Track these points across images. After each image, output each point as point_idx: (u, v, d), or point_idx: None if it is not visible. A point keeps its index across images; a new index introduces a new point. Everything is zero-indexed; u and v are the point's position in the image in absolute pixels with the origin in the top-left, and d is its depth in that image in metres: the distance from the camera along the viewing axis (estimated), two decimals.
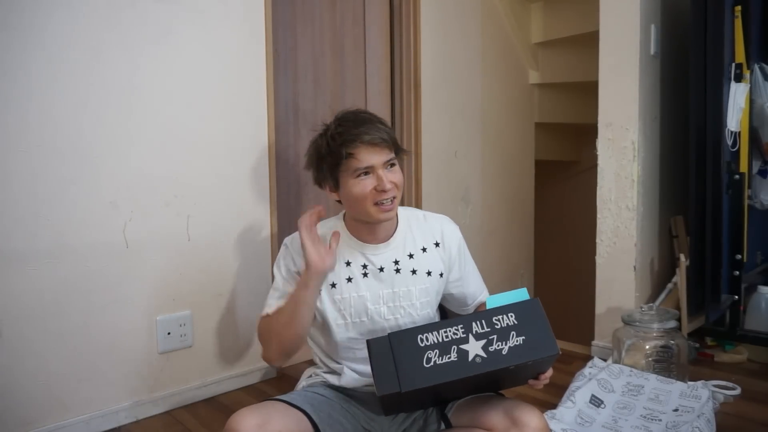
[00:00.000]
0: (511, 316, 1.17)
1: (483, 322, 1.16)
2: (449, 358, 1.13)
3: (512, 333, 1.15)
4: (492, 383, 1.26)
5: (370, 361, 1.16)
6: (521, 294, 1.22)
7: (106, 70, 1.75)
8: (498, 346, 1.14)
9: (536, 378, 1.23)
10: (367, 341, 1.19)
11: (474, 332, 1.15)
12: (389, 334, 1.18)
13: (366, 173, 1.28)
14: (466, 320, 1.17)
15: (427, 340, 1.15)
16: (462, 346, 1.14)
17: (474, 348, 1.14)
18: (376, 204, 1.29)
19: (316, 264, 1.27)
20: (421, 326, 1.19)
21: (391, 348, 1.15)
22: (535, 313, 1.18)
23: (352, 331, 1.36)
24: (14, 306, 1.63)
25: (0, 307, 1.61)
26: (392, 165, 1.31)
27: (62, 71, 1.67)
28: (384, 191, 1.28)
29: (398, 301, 1.37)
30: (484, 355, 1.13)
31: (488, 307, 1.20)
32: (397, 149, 1.33)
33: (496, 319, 1.16)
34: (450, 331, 1.16)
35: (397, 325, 1.37)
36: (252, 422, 1.12)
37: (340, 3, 2.47)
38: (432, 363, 1.13)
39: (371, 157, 1.26)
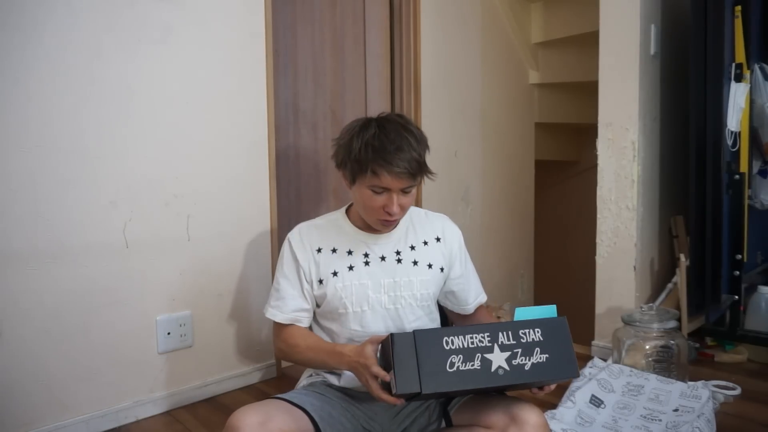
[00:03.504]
0: (538, 332, 1.15)
1: (509, 333, 1.14)
2: (472, 365, 1.11)
3: (537, 349, 1.14)
4: (500, 388, 1.25)
5: (393, 356, 1.11)
6: (550, 311, 1.20)
7: (106, 69, 1.75)
8: (522, 360, 1.12)
9: (540, 388, 1.22)
10: (392, 334, 1.14)
11: (500, 342, 1.13)
12: (414, 330, 1.14)
13: (381, 191, 1.29)
14: (493, 329, 1.15)
15: (452, 343, 1.12)
16: (486, 355, 1.12)
17: (498, 359, 1.12)
18: (380, 219, 1.32)
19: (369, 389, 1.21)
20: (447, 328, 1.17)
21: (415, 345, 1.12)
22: (561, 332, 1.17)
23: (354, 322, 1.37)
24: (14, 306, 1.63)
25: (0, 308, 1.61)
26: (409, 189, 1.31)
27: (62, 71, 1.67)
28: (390, 214, 1.30)
29: (399, 291, 1.38)
30: (507, 368, 1.12)
31: (516, 319, 1.18)
32: (424, 172, 1.33)
33: (522, 332, 1.15)
34: (476, 337, 1.13)
35: (398, 316, 1.38)
36: (253, 420, 1.12)
37: (340, 3, 2.47)
38: (455, 368, 1.11)
39: (392, 182, 1.27)
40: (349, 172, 1.32)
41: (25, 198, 1.63)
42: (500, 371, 1.11)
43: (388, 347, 1.13)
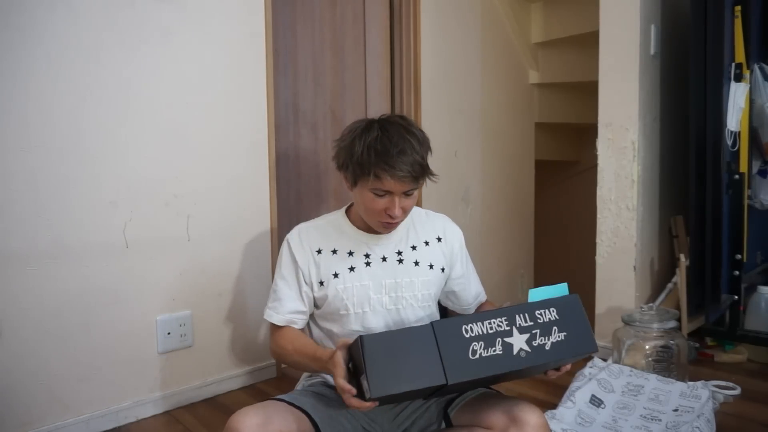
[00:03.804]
0: (553, 311, 1.16)
1: (526, 315, 1.14)
2: (494, 351, 1.11)
3: (554, 328, 1.14)
4: (522, 372, 1.24)
5: (364, 359, 1.05)
6: (561, 289, 1.21)
7: (106, 69, 1.75)
8: (541, 341, 1.13)
9: (557, 369, 1.22)
10: (361, 337, 1.07)
11: (518, 325, 1.13)
12: (432, 322, 1.12)
13: (383, 194, 1.28)
14: (509, 312, 1.15)
15: (472, 330, 1.11)
16: (506, 339, 1.12)
17: (518, 342, 1.12)
18: (382, 221, 1.32)
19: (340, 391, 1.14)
20: (465, 316, 1.15)
21: (435, 337, 1.10)
22: (575, 309, 1.18)
23: (355, 323, 1.37)
24: (14, 306, 1.63)
25: (0, 308, 1.61)
26: (411, 192, 1.30)
27: (62, 71, 1.67)
28: (392, 217, 1.29)
29: (400, 292, 1.38)
30: (528, 350, 1.12)
31: (530, 300, 1.18)
32: (427, 174, 1.32)
33: (538, 313, 1.15)
34: (494, 322, 1.13)
35: (399, 317, 1.38)
36: (253, 421, 1.12)
37: (340, 3, 2.47)
38: (478, 355, 1.10)
39: (395, 186, 1.26)
40: (351, 175, 1.31)
41: (25, 198, 1.63)
42: (522, 353, 1.11)
43: (358, 351, 1.08)
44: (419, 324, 1.38)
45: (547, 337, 1.13)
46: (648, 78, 2.33)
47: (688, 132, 2.28)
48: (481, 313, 1.16)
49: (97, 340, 1.78)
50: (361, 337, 1.08)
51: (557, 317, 1.15)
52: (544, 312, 1.15)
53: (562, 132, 3.72)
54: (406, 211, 1.32)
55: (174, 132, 1.91)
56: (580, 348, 1.15)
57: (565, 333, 1.14)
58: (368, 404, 1.09)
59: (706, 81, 2.18)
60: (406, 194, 1.29)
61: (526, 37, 3.28)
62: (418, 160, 1.27)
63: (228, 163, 2.04)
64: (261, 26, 2.10)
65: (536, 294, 1.19)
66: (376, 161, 1.24)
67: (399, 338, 1.11)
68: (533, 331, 1.13)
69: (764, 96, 2.34)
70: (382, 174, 1.25)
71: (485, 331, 1.12)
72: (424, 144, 1.31)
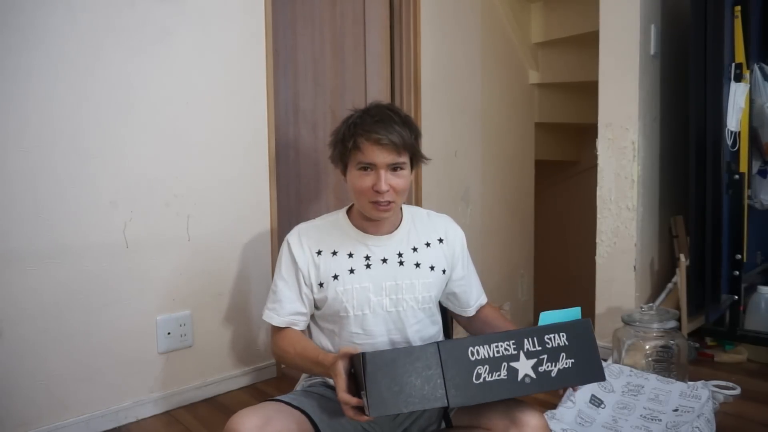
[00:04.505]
0: (563, 336, 1.13)
1: (535, 339, 1.11)
2: (499, 375, 1.08)
3: (562, 354, 1.12)
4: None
5: (365, 376, 1.04)
6: (574, 313, 1.19)
7: (106, 69, 1.75)
8: (548, 367, 1.10)
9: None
10: (363, 354, 1.05)
11: (525, 350, 1.10)
12: (438, 342, 1.09)
13: (368, 169, 1.29)
14: (518, 336, 1.12)
15: (478, 353, 1.08)
16: (512, 364, 1.09)
17: (524, 367, 1.10)
18: (372, 202, 1.31)
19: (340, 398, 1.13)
20: (471, 338, 1.13)
21: (440, 358, 1.07)
22: (586, 335, 1.15)
23: (354, 325, 1.37)
24: (14, 306, 1.63)
25: (0, 308, 1.61)
26: (398, 168, 1.30)
27: (62, 71, 1.67)
28: (379, 192, 1.29)
29: (401, 294, 1.37)
30: (534, 376, 1.09)
31: (540, 323, 1.16)
32: (414, 154, 1.34)
33: (547, 338, 1.12)
34: (502, 345, 1.10)
35: (399, 318, 1.37)
36: (252, 423, 1.11)
37: (340, 3, 2.47)
38: (482, 380, 1.07)
39: (375, 155, 1.27)
40: (339, 157, 1.35)
41: (25, 198, 1.63)
42: (527, 379, 1.09)
43: (360, 366, 1.06)
44: (418, 325, 1.39)
45: (554, 364, 1.11)
46: (648, 78, 2.34)
47: (688, 132, 2.28)
48: (488, 335, 1.13)
49: (97, 340, 1.78)
50: (363, 354, 1.06)
51: (566, 342, 1.13)
52: (554, 337, 1.13)
53: (562, 132, 3.72)
54: (397, 192, 1.31)
55: (174, 132, 1.91)
56: (587, 376, 1.13)
57: (572, 360, 1.12)
58: (366, 417, 1.08)
59: (706, 81, 2.19)
60: (393, 170, 1.30)
61: (526, 37, 3.28)
62: (399, 131, 1.28)
63: (228, 163, 2.04)
64: (261, 26, 2.10)
65: (547, 317, 1.17)
66: (355, 131, 1.29)
67: (402, 357, 1.07)
68: (540, 357, 1.10)
69: (764, 96, 2.34)
70: (360, 141, 1.28)
71: (491, 355, 1.09)
72: (407, 123, 1.33)
